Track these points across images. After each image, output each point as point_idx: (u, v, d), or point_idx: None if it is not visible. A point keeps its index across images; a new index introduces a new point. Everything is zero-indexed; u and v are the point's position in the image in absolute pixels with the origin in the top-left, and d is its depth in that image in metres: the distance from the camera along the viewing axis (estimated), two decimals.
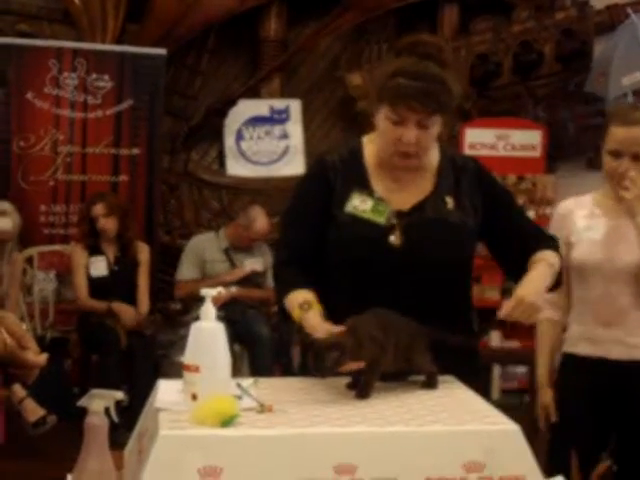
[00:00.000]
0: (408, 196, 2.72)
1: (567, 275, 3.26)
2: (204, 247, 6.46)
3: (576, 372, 3.28)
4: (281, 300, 2.69)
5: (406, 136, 2.58)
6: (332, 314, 2.53)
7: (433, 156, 2.76)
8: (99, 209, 6.16)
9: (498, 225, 2.77)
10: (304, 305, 2.56)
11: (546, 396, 3.36)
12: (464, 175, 2.77)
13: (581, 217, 3.32)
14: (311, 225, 2.72)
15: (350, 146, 2.82)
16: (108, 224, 6.16)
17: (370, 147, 2.77)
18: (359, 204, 2.67)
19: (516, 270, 2.67)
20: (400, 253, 2.63)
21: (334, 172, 2.72)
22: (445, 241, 2.68)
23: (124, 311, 6.09)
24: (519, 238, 2.76)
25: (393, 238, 2.64)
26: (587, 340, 3.23)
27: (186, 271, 6.48)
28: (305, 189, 2.80)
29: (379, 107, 2.63)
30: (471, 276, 2.80)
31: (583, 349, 3.25)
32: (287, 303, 2.66)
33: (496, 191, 2.81)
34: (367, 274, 2.62)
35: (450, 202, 2.72)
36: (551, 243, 2.76)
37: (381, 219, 2.66)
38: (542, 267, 2.63)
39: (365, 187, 2.70)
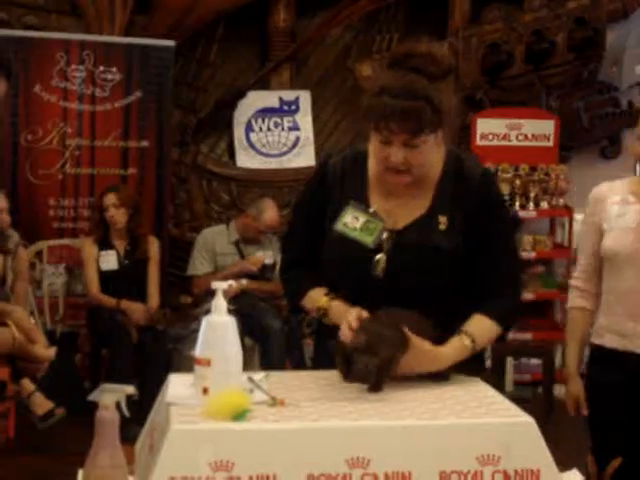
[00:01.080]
0: (404, 213, 2.63)
1: (599, 263, 3.21)
2: (214, 240, 6.45)
3: (604, 365, 3.21)
4: (296, 299, 2.75)
5: (393, 156, 2.51)
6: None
7: (434, 169, 2.65)
8: (110, 198, 6.17)
9: (475, 250, 2.62)
10: (330, 294, 2.64)
11: (576, 386, 3.31)
12: (465, 185, 2.64)
13: (614, 203, 3.21)
14: (308, 230, 2.74)
15: (356, 151, 2.75)
16: (117, 215, 6.16)
17: (372, 158, 2.70)
18: (350, 221, 2.62)
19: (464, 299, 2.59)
20: (383, 282, 2.57)
21: (334, 179, 2.69)
22: (427, 270, 2.58)
23: (133, 309, 6.08)
24: (480, 281, 2.63)
25: (376, 264, 2.58)
26: (615, 332, 3.16)
27: (200, 266, 6.47)
28: (307, 192, 2.83)
29: (369, 124, 2.55)
30: (461, 294, 2.62)
31: (610, 341, 3.18)
32: (307, 299, 2.71)
33: (488, 219, 2.63)
34: (351, 295, 2.60)
35: (443, 222, 2.60)
36: (504, 304, 2.62)
37: (369, 240, 2.59)
38: (459, 344, 2.51)
39: (361, 200, 2.64)
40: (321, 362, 2.73)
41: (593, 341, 3.26)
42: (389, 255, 2.59)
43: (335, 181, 2.69)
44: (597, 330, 3.24)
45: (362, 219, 2.62)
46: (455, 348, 2.50)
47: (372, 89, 2.53)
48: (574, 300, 3.36)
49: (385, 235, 2.61)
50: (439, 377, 2.46)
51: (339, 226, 2.62)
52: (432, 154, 2.58)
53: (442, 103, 2.48)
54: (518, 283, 2.75)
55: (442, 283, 2.61)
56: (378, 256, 2.59)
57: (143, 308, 6.11)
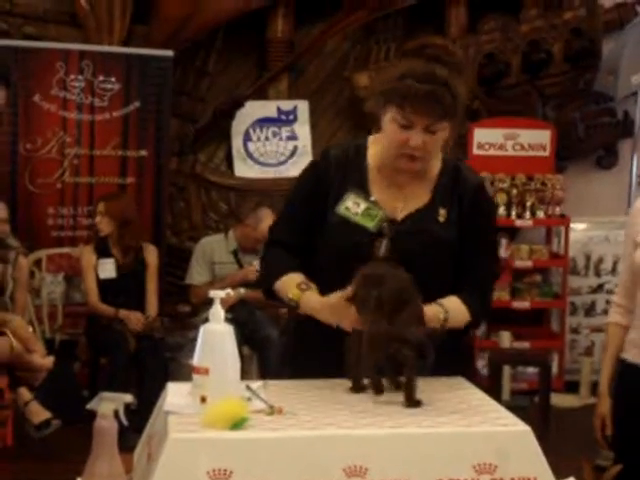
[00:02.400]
0: (404, 204, 2.69)
1: (636, 277, 3.10)
2: (213, 249, 6.46)
3: (625, 380, 3.10)
4: (271, 279, 2.71)
5: (413, 140, 2.56)
6: None
7: (434, 164, 2.73)
8: (99, 206, 6.23)
9: (462, 248, 2.71)
10: (302, 285, 2.61)
11: (604, 406, 3.16)
12: (463, 187, 2.73)
13: None
14: (303, 215, 2.74)
15: (356, 143, 2.81)
16: (101, 224, 6.19)
17: (374, 148, 2.75)
18: (352, 206, 2.67)
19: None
20: None
21: (336, 168, 2.72)
22: (428, 257, 2.64)
23: (131, 318, 6.08)
24: (462, 274, 2.70)
25: (379, 249, 2.62)
26: (638, 347, 3.05)
27: (197, 275, 6.47)
28: (305, 179, 2.81)
29: (386, 109, 2.60)
30: (448, 285, 2.69)
31: (633, 356, 3.07)
32: (280, 284, 2.68)
33: (477, 223, 2.73)
34: (351, 278, 2.55)
35: (443, 215, 2.69)
36: (472, 301, 2.67)
37: (371, 224, 2.64)
38: (433, 313, 2.54)
39: (362, 189, 2.69)
40: (300, 363, 2.72)
41: (621, 355, 3.14)
42: (392, 240, 2.64)
43: (336, 171, 2.72)
44: (625, 344, 3.13)
45: (363, 205, 2.66)
46: (429, 314, 2.51)
47: (390, 75, 2.60)
48: (611, 315, 3.25)
49: (385, 223, 2.65)
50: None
51: (341, 209, 2.66)
52: (440, 145, 2.65)
53: (460, 93, 2.58)
54: (491, 289, 2.86)
55: (439, 272, 2.67)
56: (382, 240, 2.63)
57: (141, 317, 6.11)
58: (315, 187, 2.73)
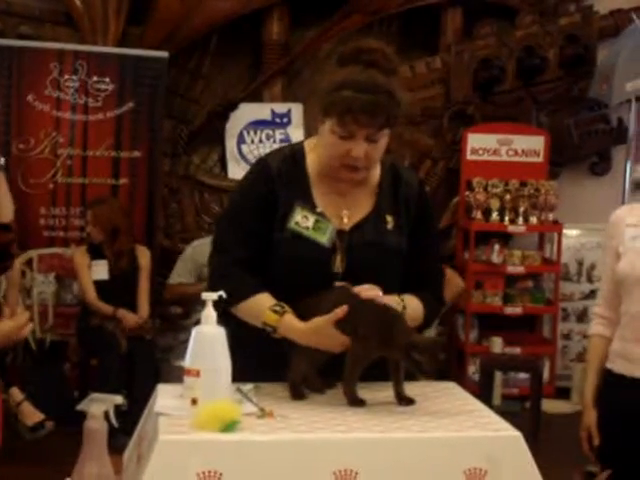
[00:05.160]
0: (349, 212, 2.65)
1: (618, 288, 3.11)
2: (203, 251, 6.42)
3: (612, 390, 3.09)
4: (234, 301, 2.54)
5: (355, 151, 2.50)
6: None
7: (375, 171, 2.69)
8: (88, 215, 6.29)
9: (410, 251, 2.68)
10: (276, 308, 2.50)
11: (590, 417, 3.14)
12: (406, 190, 2.70)
13: (629, 226, 3.11)
14: (255, 229, 2.61)
15: (292, 149, 2.73)
16: (93, 233, 6.24)
17: (312, 155, 2.68)
18: (301, 220, 2.59)
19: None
20: (342, 279, 2.56)
21: (279, 180, 2.63)
22: (383, 267, 2.62)
23: (128, 318, 6.07)
24: (412, 277, 2.67)
25: (336, 263, 2.59)
26: (623, 357, 3.05)
27: (177, 277, 6.48)
28: (252, 192, 2.67)
29: (324, 119, 2.54)
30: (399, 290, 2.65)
31: (619, 367, 3.06)
32: (247, 306, 2.56)
33: (425, 225, 2.73)
34: (307, 294, 2.51)
35: (390, 221, 2.66)
36: (427, 302, 2.67)
37: (323, 239, 2.59)
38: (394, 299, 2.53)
39: (307, 200, 2.62)
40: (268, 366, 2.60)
41: (606, 365, 3.13)
42: (346, 253, 2.60)
43: (279, 180, 2.63)
44: (610, 354, 3.12)
45: (312, 219, 2.61)
46: (388, 301, 2.48)
47: (328, 85, 2.54)
48: (593, 327, 3.24)
49: (336, 235, 2.61)
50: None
51: (292, 225, 2.59)
52: (382, 152, 2.60)
53: (401, 98, 2.52)
54: (442, 290, 2.83)
55: (394, 279, 2.64)
56: (337, 256, 2.59)
57: (138, 318, 6.12)
58: (264, 201, 2.61)
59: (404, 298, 2.58)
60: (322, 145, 2.60)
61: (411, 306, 2.59)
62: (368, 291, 2.43)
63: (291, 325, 2.48)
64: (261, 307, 2.52)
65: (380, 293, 2.45)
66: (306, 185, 2.65)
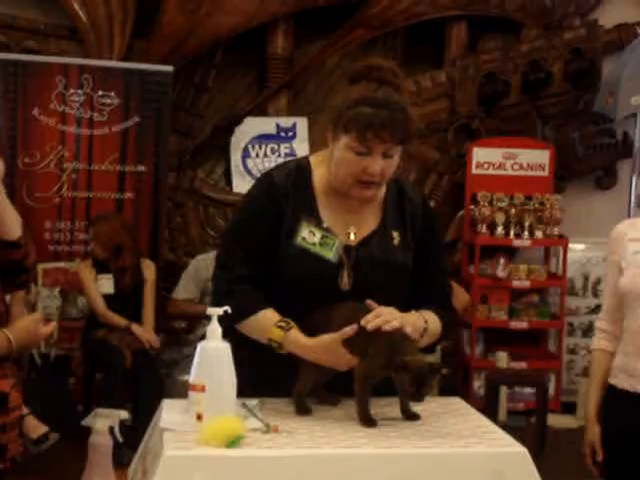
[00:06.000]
0: (356, 228, 2.66)
1: (620, 303, 3.11)
2: (207, 266, 6.41)
3: (615, 406, 3.09)
4: (239, 317, 2.54)
5: (372, 167, 2.52)
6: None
7: (381, 187, 2.70)
8: (90, 231, 6.32)
9: (417, 266, 2.70)
10: (281, 323, 2.51)
11: (593, 432, 3.14)
12: (411, 206, 2.72)
13: (631, 240, 3.11)
14: (262, 245, 2.61)
15: (297, 164, 2.73)
16: (96, 249, 6.25)
17: (318, 171, 2.69)
18: (307, 236, 2.60)
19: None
20: (349, 296, 2.56)
21: (284, 195, 2.63)
22: (390, 283, 2.63)
23: (141, 334, 6.07)
24: (421, 295, 2.68)
25: (342, 280, 2.59)
26: (626, 373, 3.05)
27: (182, 291, 6.47)
28: (258, 207, 2.66)
29: (339, 136, 2.55)
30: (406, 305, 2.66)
31: (621, 382, 3.07)
32: (251, 323, 2.56)
33: (431, 240, 2.75)
34: (314, 310, 2.52)
35: (396, 237, 2.67)
36: (442, 315, 2.68)
37: (330, 254, 2.60)
38: (418, 321, 2.53)
39: (313, 216, 2.63)
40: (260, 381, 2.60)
41: (609, 380, 3.14)
42: (353, 270, 2.60)
43: (284, 195, 2.63)
44: (613, 369, 3.12)
45: (318, 234, 2.61)
46: (411, 320, 2.48)
47: (343, 102, 2.54)
48: (596, 341, 3.25)
49: (342, 250, 2.61)
50: None
51: (298, 240, 2.60)
52: (395, 168, 2.61)
53: (413, 115, 2.55)
54: (451, 302, 2.84)
55: (401, 295, 2.65)
56: (344, 272, 2.59)
57: (150, 337, 6.12)
58: (269, 217, 2.62)
59: (423, 314, 2.58)
60: (335, 162, 2.60)
61: (431, 321, 2.60)
62: (389, 315, 2.41)
63: (296, 341, 2.48)
64: (266, 323, 2.52)
65: (399, 315, 2.43)
66: (312, 200, 2.65)
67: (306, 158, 2.77)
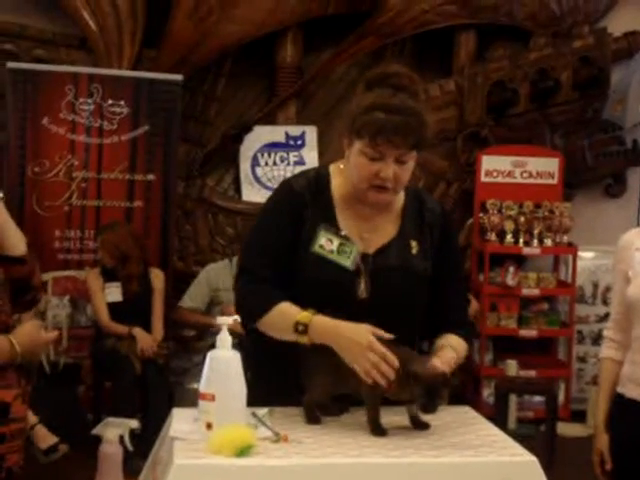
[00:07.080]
0: (374, 237, 2.67)
1: (628, 312, 3.11)
2: (217, 275, 6.41)
3: (624, 414, 3.09)
4: (259, 313, 2.57)
5: (384, 172, 2.53)
6: (293, 346, 2.51)
7: (399, 197, 2.71)
8: (98, 239, 6.34)
9: (436, 276, 2.71)
10: (309, 309, 2.51)
11: (602, 441, 3.14)
12: (429, 215, 2.74)
13: (639, 250, 3.11)
14: (282, 250, 2.62)
15: (317, 173, 2.75)
16: (104, 258, 6.27)
17: (337, 179, 2.70)
18: (325, 243, 2.61)
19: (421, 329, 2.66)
20: (366, 304, 2.58)
21: (304, 203, 2.65)
22: (408, 292, 2.64)
23: (144, 338, 6.07)
24: (441, 306, 2.70)
25: (360, 288, 2.60)
26: (634, 382, 3.05)
27: (189, 299, 6.44)
28: (279, 213, 2.68)
29: (353, 141, 2.57)
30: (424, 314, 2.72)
31: (630, 391, 3.07)
32: (273, 315, 2.55)
33: (449, 250, 2.77)
34: (334, 315, 2.51)
35: (415, 246, 2.68)
36: (463, 330, 2.69)
37: (347, 262, 2.60)
38: (448, 351, 2.54)
39: (331, 223, 2.64)
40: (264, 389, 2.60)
41: (617, 390, 3.14)
42: (371, 278, 2.61)
43: (304, 203, 2.65)
44: (621, 378, 3.12)
45: (336, 242, 2.62)
46: (445, 358, 2.49)
47: (357, 108, 2.55)
48: (604, 350, 3.25)
49: (360, 258, 2.62)
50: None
51: (316, 248, 2.61)
52: (410, 175, 2.62)
53: (428, 121, 2.56)
54: (467, 313, 2.88)
55: (421, 303, 2.67)
56: (361, 280, 2.60)
57: (152, 340, 6.11)
58: (289, 223, 2.64)
59: (454, 346, 2.58)
60: (350, 167, 2.62)
61: (461, 352, 2.62)
62: (436, 362, 2.43)
63: (324, 322, 2.48)
64: (291, 311, 2.53)
65: (440, 364, 2.44)
66: (330, 208, 2.67)
67: (326, 167, 2.78)
